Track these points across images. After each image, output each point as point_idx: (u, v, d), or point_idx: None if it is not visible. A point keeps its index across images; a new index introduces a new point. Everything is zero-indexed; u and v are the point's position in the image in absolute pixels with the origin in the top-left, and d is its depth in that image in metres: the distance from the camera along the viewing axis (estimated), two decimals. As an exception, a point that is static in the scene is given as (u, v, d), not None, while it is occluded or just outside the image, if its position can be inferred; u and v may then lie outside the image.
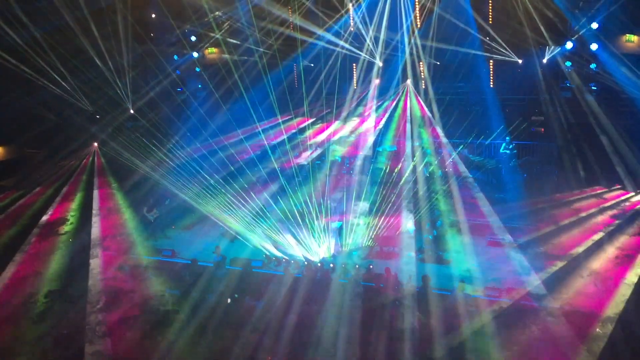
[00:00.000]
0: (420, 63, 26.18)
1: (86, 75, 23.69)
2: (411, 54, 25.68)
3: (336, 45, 25.92)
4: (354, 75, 27.89)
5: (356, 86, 27.67)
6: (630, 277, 16.08)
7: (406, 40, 25.28)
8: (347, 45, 26.09)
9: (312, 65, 27.70)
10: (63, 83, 22.90)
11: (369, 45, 25.88)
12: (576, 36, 23.77)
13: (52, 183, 23.96)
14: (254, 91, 25.07)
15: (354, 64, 27.56)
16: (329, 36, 25.79)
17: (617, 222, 19.75)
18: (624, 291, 15.42)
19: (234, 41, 27.15)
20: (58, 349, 13.95)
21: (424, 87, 26.61)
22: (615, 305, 14.78)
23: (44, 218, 21.39)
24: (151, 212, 21.97)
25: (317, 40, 25.88)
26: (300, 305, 15.29)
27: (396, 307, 15.08)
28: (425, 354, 13.16)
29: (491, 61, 26.02)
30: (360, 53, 26.24)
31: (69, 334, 14.56)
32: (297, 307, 15.19)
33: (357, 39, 26.33)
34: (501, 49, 25.04)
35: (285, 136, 26.23)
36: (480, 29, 24.89)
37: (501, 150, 25.11)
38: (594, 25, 23.49)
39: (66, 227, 20.96)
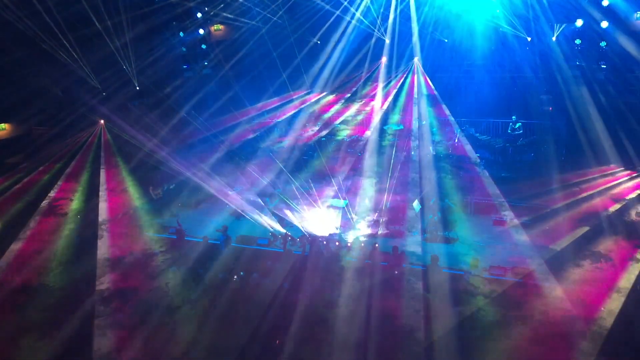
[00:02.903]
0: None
1: (92, 51, 23.61)
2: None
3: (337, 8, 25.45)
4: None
5: (363, 64, 27.48)
6: (637, 256, 16.10)
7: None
8: (358, 15, 25.61)
9: (319, 42, 27.50)
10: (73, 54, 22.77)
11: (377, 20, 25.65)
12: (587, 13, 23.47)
13: (58, 160, 23.99)
14: (259, 68, 24.97)
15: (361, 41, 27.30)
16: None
17: (624, 202, 19.65)
18: (630, 270, 15.44)
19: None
20: (64, 336, 13.71)
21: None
22: (621, 284, 14.81)
23: (50, 196, 21.45)
24: (156, 192, 22.04)
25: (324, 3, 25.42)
26: (306, 283, 15.38)
27: (401, 285, 15.16)
28: (430, 332, 13.23)
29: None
30: (372, 28, 25.96)
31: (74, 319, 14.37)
32: (302, 284, 15.27)
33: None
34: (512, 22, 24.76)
35: (290, 114, 26.19)
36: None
37: (509, 131, 24.97)
38: (605, 3, 23.17)
39: (72, 206, 21.01)
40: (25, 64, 22.22)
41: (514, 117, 24.84)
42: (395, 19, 26.19)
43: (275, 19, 26.34)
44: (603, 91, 23.64)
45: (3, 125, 24.64)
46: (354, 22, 25.95)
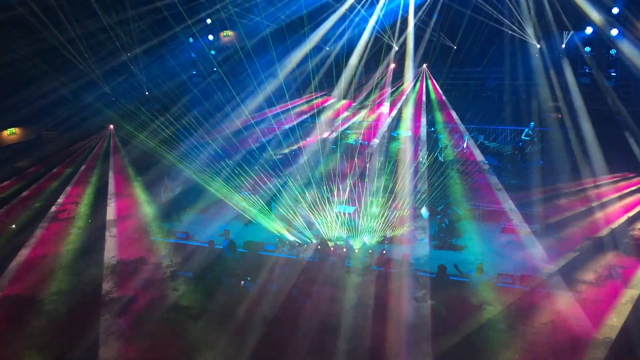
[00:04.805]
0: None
1: (102, 56, 23.79)
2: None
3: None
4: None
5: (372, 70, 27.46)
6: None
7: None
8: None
9: (327, 48, 27.51)
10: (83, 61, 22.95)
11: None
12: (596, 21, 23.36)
13: (68, 165, 24.09)
14: (265, 73, 25.00)
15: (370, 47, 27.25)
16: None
17: (634, 212, 19.47)
18: (638, 282, 15.29)
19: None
20: (69, 344, 13.58)
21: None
22: (631, 293, 14.68)
23: (59, 201, 21.52)
24: (166, 193, 22.12)
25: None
26: (313, 289, 15.35)
27: (409, 293, 15.10)
28: (437, 342, 13.16)
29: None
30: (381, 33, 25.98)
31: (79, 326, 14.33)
32: (309, 290, 15.25)
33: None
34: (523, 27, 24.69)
35: (297, 121, 26.20)
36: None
37: (523, 136, 24.81)
38: (615, 10, 23.07)
39: (80, 211, 21.07)
40: (37, 68, 22.43)
41: (532, 123, 24.66)
42: (404, 25, 26.21)
43: (282, 17, 26.37)
44: (613, 98, 23.50)
45: (14, 130, 24.82)
46: (358, 23, 26.05)
